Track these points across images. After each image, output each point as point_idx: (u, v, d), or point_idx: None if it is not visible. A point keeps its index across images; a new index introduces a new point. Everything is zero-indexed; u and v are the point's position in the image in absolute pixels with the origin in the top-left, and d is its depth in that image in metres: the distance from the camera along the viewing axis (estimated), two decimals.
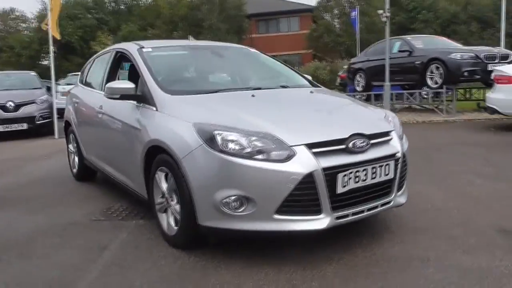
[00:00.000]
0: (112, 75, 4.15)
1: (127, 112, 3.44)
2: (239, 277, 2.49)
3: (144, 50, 3.75)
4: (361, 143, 2.64)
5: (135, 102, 3.39)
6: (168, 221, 2.96)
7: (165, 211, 3.07)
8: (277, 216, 2.50)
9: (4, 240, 3.26)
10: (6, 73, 12.40)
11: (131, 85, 3.35)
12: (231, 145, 2.55)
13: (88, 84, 4.77)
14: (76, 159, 5.10)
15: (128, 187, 3.59)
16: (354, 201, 2.63)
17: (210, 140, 2.59)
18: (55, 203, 4.18)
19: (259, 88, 3.49)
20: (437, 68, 9.72)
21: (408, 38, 11.21)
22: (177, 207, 2.84)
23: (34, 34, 35.43)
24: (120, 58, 4.15)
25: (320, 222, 2.51)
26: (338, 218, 2.57)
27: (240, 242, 2.91)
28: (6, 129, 9.41)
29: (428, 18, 31.58)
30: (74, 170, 5.19)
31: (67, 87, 11.69)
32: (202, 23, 30.03)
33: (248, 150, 2.52)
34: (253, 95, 3.21)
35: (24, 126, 9.57)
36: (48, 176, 5.47)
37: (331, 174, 2.49)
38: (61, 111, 10.71)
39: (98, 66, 4.68)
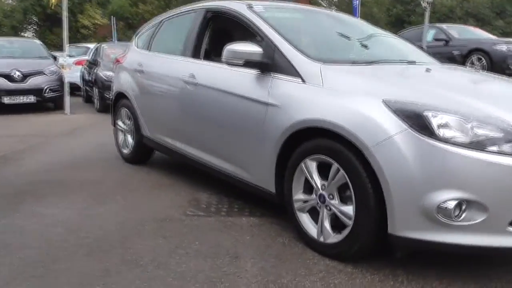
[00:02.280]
0: (201, 39, 3.40)
1: (247, 84, 2.74)
2: None
3: (255, 9, 3.04)
4: None
5: (258, 72, 2.69)
6: (322, 225, 2.31)
7: (311, 211, 2.42)
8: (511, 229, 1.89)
9: (104, 242, 2.54)
10: (8, 39, 11.24)
11: (258, 48, 2.64)
12: (451, 132, 1.91)
13: (158, 50, 3.99)
14: (129, 138, 4.34)
15: (236, 178, 2.89)
16: None
17: (419, 124, 1.94)
18: (123, 191, 3.45)
19: (413, 62, 2.85)
20: (479, 59, 9.24)
21: (444, 26, 10.69)
22: (345, 208, 2.19)
23: (17, 4, 33.37)
24: (214, 19, 3.40)
25: None
26: None
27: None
28: (12, 102, 8.39)
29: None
30: (125, 151, 4.43)
31: (70, 59, 10.73)
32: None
33: (474, 139, 1.89)
34: (428, 69, 2.57)
35: (32, 99, 8.56)
36: (89, 157, 4.69)
37: None
38: (72, 85, 9.88)
39: (174, 29, 3.91)
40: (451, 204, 1.87)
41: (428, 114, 1.94)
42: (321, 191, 2.31)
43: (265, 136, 2.58)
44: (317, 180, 2.33)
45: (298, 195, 2.46)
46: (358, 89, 2.22)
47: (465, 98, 2.11)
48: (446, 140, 1.89)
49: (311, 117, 2.29)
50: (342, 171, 2.16)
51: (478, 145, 1.88)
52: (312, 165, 2.34)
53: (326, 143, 2.24)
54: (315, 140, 2.31)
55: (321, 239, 2.32)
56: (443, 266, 2.21)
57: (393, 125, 1.98)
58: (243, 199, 3.20)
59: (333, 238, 2.27)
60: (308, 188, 2.43)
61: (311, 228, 2.41)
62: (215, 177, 3.23)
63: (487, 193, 1.86)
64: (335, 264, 2.24)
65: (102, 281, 2.07)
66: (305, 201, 2.42)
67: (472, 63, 9.44)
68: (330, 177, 2.24)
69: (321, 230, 2.32)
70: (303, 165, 2.38)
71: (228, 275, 2.12)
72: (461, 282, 2.07)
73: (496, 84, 2.64)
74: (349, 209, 2.16)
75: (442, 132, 1.90)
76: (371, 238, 2.10)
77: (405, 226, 1.97)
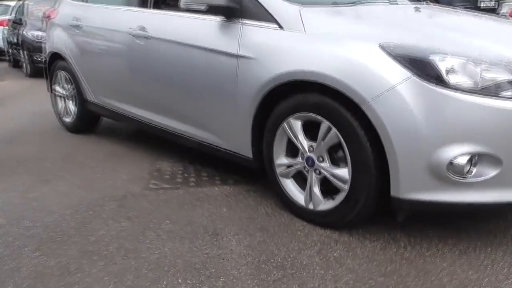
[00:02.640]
0: None
1: (211, 34, 2.34)
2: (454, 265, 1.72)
3: None
4: None
5: (223, 19, 2.30)
6: (312, 191, 2.05)
7: (296, 176, 2.15)
8: None
9: (56, 232, 2.13)
10: None
11: None
12: (461, 77, 1.67)
13: (97, 1, 3.42)
14: (71, 105, 3.81)
15: (204, 144, 2.55)
16: None
17: (425, 70, 1.68)
18: (71, 167, 3.00)
19: (395, 2, 2.57)
20: None
21: None
22: (338, 171, 1.93)
23: None
24: None
25: None
26: None
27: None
28: None
29: None
30: (67, 120, 3.90)
31: None
32: None
33: (486, 84, 1.66)
34: (417, 9, 2.29)
35: None
36: (25, 130, 4.11)
37: None
38: None
39: None
40: (463, 160, 1.66)
41: (435, 58, 1.68)
42: (308, 153, 2.03)
43: (238, 94, 2.23)
44: (303, 142, 2.04)
45: (281, 159, 2.17)
46: (347, 34, 1.91)
47: (469, 38, 1.87)
48: (456, 87, 1.65)
49: (294, 69, 1.96)
50: (334, 130, 1.89)
51: (491, 90, 1.66)
52: (297, 125, 2.05)
53: (313, 99, 1.94)
54: (300, 95, 2.01)
55: (311, 206, 2.07)
56: (444, 226, 2.05)
57: (395, 74, 1.71)
58: (211, 165, 2.88)
59: (325, 204, 2.02)
60: (292, 150, 2.15)
61: (297, 195, 2.15)
62: (177, 143, 2.87)
63: (501, 144, 1.67)
64: (328, 233, 2.01)
65: (61, 281, 1.70)
66: (289, 166, 2.15)
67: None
68: (320, 137, 1.96)
69: (310, 197, 2.07)
70: (285, 126, 2.08)
71: (212, 258, 1.83)
72: (466, 241, 1.92)
73: (493, 22, 2.42)
74: (344, 172, 1.91)
75: (451, 79, 1.66)
76: (370, 202, 1.87)
77: (410, 187, 1.75)
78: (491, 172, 1.69)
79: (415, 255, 1.82)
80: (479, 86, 1.66)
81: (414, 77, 1.68)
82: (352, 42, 1.85)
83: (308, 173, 2.06)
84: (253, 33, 2.18)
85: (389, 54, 1.74)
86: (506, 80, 1.67)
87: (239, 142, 2.33)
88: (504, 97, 1.65)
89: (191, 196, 2.45)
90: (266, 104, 2.16)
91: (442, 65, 1.67)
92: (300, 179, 2.17)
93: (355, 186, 1.87)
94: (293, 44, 2.01)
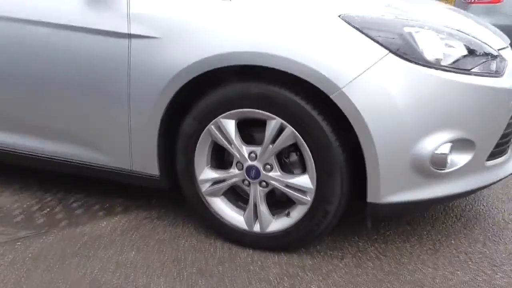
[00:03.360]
0: None
1: (80, 7, 1.60)
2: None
3: None
4: None
5: None
6: (258, 209, 1.58)
7: (226, 192, 1.65)
8: (488, 163, 1.60)
9: None
10: None
11: None
12: (435, 53, 1.43)
13: None
14: None
15: (87, 165, 1.78)
16: None
17: (401, 46, 1.38)
18: None
19: None
20: None
21: None
22: (297, 180, 1.51)
23: None
24: None
25: None
26: None
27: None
28: None
29: None
30: None
31: None
32: None
33: (457, 59, 1.46)
34: None
35: None
36: None
37: None
38: None
39: None
40: (446, 149, 1.44)
41: (411, 31, 1.40)
42: (250, 161, 1.55)
43: (134, 90, 1.58)
44: (240, 147, 1.55)
45: (206, 174, 1.63)
46: (292, 4, 1.48)
47: (424, 16, 1.65)
48: (434, 65, 1.40)
49: (227, 50, 1.43)
50: (290, 128, 1.45)
51: (461, 66, 1.46)
52: (230, 126, 1.53)
53: (257, 89, 1.46)
54: (235, 86, 1.50)
55: (257, 228, 1.60)
56: (399, 224, 1.84)
57: (368, 51, 1.37)
58: (80, 190, 2.09)
59: (277, 223, 1.58)
60: (218, 160, 1.64)
61: (234, 216, 1.64)
62: (30, 168, 2.00)
63: (474, 127, 1.50)
64: (287, 259, 1.58)
65: None
66: (219, 181, 1.62)
67: None
68: (267, 139, 1.50)
69: (256, 216, 1.59)
70: (212, 128, 1.55)
71: None
72: (430, 238, 1.75)
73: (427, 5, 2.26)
74: (304, 180, 1.49)
75: (428, 55, 1.40)
76: (340, 213, 1.52)
77: (392, 188, 1.44)
78: (465, 159, 1.51)
79: (396, 266, 1.55)
80: (451, 62, 1.45)
81: (391, 54, 1.37)
82: (303, 14, 1.43)
83: (249, 186, 1.58)
84: (151, 2, 1.55)
85: (355, 27, 1.39)
86: (465, 57, 1.50)
87: (139, 157, 1.68)
88: (475, 73, 1.48)
89: (69, 243, 1.68)
90: (177, 102, 1.57)
91: (419, 39, 1.40)
92: (231, 194, 1.67)
93: (322, 195, 1.48)
94: (222, 17, 1.48)
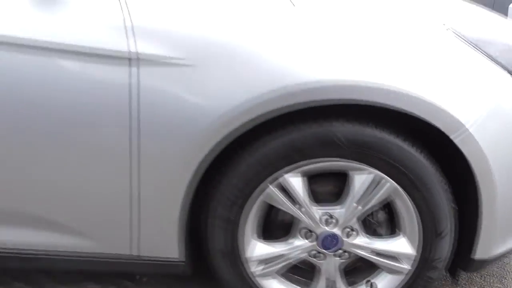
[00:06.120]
0: None
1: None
2: None
3: None
4: None
5: None
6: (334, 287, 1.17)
7: (290, 272, 1.21)
8: None
9: None
10: None
11: None
12: None
13: None
14: None
15: (80, 258, 1.13)
16: None
17: None
18: None
19: None
20: None
21: None
22: (393, 246, 1.13)
23: None
24: None
25: None
26: None
27: None
28: None
29: None
30: None
31: None
32: None
33: None
34: None
35: None
36: None
37: None
38: None
39: None
40: None
41: None
42: (325, 227, 1.13)
43: (147, 143, 1.02)
44: (311, 210, 1.11)
45: (256, 249, 1.16)
46: (387, 11, 1.07)
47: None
48: None
49: (306, 81, 0.97)
50: (391, 183, 1.06)
51: None
52: (297, 184, 1.08)
53: (346, 133, 1.03)
54: (303, 129, 1.04)
55: None
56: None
57: (489, 77, 1.04)
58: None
59: None
60: (270, 230, 1.18)
61: None
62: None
63: None
64: None
65: None
66: (276, 257, 1.17)
67: None
68: (353, 197, 1.09)
69: None
70: (272, 189, 1.08)
71: None
72: None
73: None
74: (402, 245, 1.13)
75: None
76: (439, 276, 1.20)
77: (501, 240, 1.18)
78: None
79: None
80: None
81: None
82: (415, 26, 1.04)
83: (323, 259, 1.16)
84: None
85: (469, 42, 1.05)
86: None
87: (150, 236, 1.12)
88: None
89: None
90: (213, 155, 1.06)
91: None
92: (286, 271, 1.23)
93: (427, 260, 1.14)
94: (294, 27, 1.00)
